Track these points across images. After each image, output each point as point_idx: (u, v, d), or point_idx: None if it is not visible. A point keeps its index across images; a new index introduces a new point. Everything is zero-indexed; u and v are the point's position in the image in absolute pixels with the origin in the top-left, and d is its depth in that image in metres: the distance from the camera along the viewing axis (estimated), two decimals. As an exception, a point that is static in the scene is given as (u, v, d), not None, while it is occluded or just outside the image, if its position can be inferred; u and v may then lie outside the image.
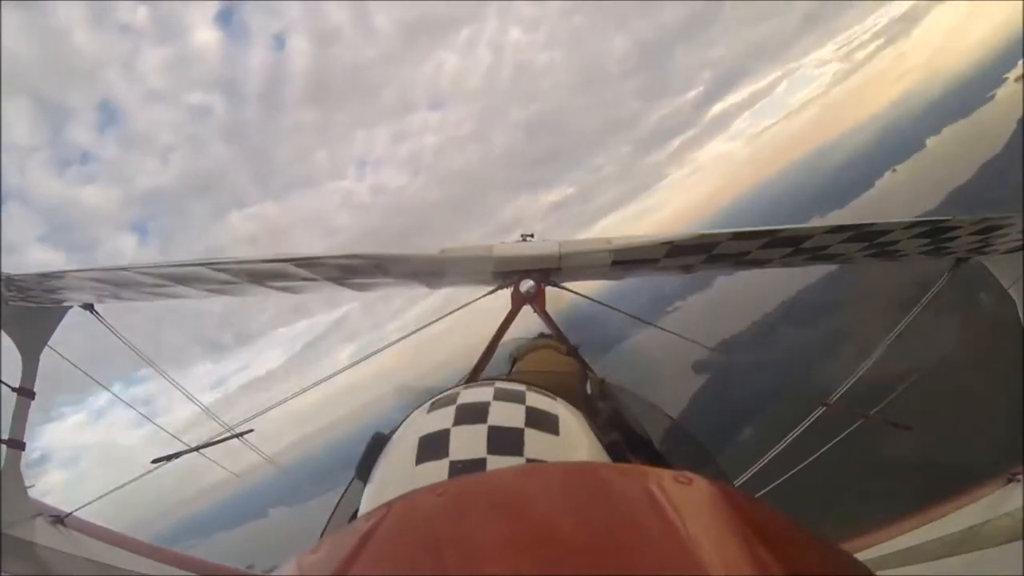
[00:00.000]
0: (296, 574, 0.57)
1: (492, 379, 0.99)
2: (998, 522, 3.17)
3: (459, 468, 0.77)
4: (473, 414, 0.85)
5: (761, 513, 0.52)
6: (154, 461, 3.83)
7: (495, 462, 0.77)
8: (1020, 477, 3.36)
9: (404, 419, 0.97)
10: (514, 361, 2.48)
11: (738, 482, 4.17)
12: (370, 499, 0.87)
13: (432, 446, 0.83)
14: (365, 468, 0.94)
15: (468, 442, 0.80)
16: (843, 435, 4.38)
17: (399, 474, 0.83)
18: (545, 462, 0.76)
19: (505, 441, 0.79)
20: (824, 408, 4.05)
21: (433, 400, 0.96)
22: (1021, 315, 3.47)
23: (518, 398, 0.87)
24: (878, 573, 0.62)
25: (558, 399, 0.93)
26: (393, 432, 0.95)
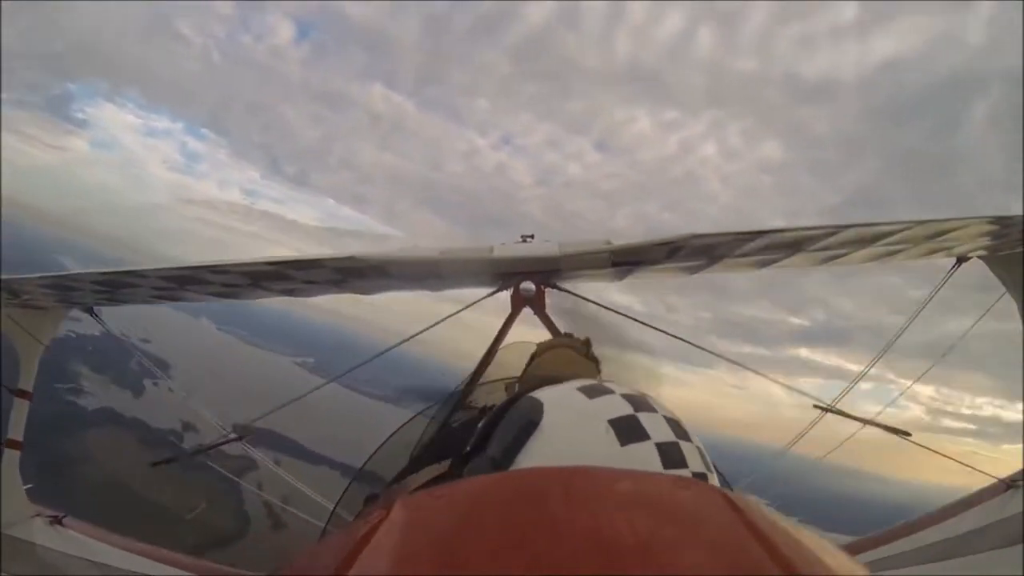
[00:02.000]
0: (296, 574, 0.57)
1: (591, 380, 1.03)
2: (998, 527, 3.18)
3: (664, 449, 0.84)
4: (640, 404, 0.91)
5: (761, 516, 0.52)
6: (153, 464, 3.84)
7: (684, 447, 0.85)
8: (1019, 484, 3.37)
9: (532, 403, 0.98)
10: (532, 358, 2.48)
11: (738, 486, 4.18)
12: None
13: (627, 429, 0.87)
14: (495, 448, 0.98)
15: (658, 428, 0.87)
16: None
17: (602, 454, 0.85)
18: (703, 474, 0.85)
19: (673, 456, 0.85)
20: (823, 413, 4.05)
21: (579, 388, 0.99)
22: (1020, 315, 3.48)
23: (651, 406, 0.92)
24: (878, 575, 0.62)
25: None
26: (539, 416, 0.95)
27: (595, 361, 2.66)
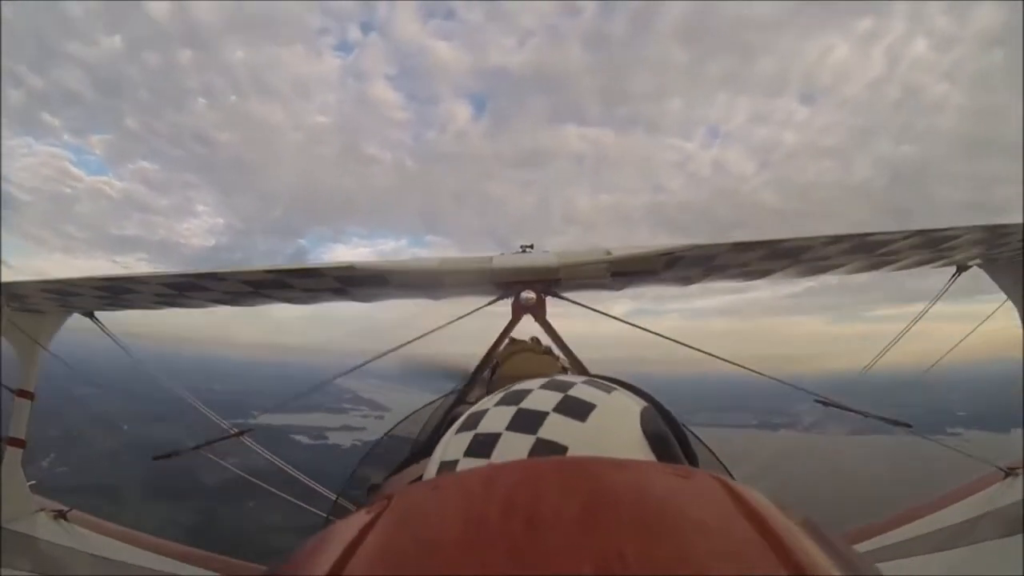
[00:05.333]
0: (294, 569, 0.57)
1: (575, 376, 0.97)
2: (997, 515, 3.19)
3: (480, 440, 0.80)
4: (513, 398, 0.86)
5: (761, 506, 0.52)
6: (155, 458, 3.87)
7: (509, 438, 0.78)
8: (1019, 471, 3.38)
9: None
10: (495, 367, 2.54)
11: (738, 476, 4.21)
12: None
13: (470, 421, 0.86)
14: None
15: (494, 419, 0.83)
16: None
17: (446, 441, 0.86)
18: (558, 443, 0.76)
19: (525, 421, 0.80)
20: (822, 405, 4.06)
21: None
22: (1020, 322, 3.48)
23: (563, 387, 0.87)
24: (876, 564, 0.63)
25: (621, 393, 0.91)
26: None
27: (553, 356, 2.73)
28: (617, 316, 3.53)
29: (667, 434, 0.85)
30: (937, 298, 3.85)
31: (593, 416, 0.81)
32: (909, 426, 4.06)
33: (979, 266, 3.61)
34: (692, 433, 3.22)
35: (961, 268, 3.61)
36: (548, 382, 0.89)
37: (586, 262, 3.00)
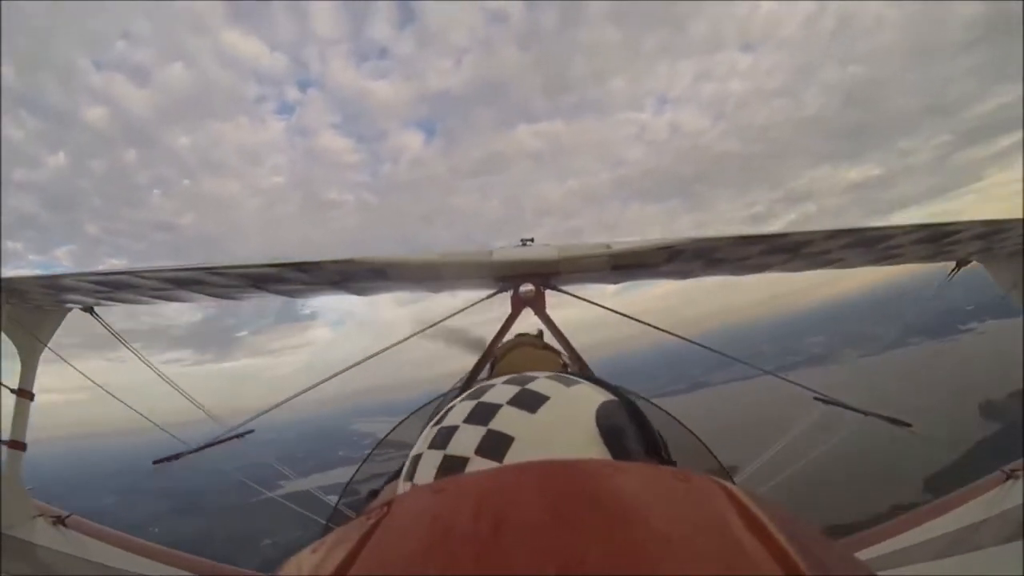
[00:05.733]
0: (297, 572, 0.56)
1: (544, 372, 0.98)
2: (998, 520, 3.17)
3: (442, 433, 0.82)
4: (477, 392, 0.88)
5: (761, 509, 0.51)
6: (155, 462, 3.85)
7: (464, 430, 0.80)
8: (1019, 474, 3.37)
9: None
10: (494, 362, 2.54)
11: (739, 479, 4.19)
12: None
13: (440, 415, 0.87)
14: None
15: (457, 413, 0.84)
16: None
17: (422, 435, 0.88)
18: (505, 434, 0.77)
19: (481, 413, 0.82)
20: (822, 404, 4.06)
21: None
22: (1021, 318, 3.47)
23: (523, 381, 0.88)
24: (878, 572, 0.62)
25: (585, 387, 0.92)
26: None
27: (553, 351, 2.74)
28: (615, 309, 3.54)
29: (623, 428, 0.85)
30: (936, 296, 3.87)
31: (544, 408, 0.82)
32: (908, 425, 4.05)
33: (978, 261, 3.62)
34: (690, 431, 3.22)
35: (961, 263, 3.62)
36: (513, 377, 0.91)
37: (586, 255, 2.99)
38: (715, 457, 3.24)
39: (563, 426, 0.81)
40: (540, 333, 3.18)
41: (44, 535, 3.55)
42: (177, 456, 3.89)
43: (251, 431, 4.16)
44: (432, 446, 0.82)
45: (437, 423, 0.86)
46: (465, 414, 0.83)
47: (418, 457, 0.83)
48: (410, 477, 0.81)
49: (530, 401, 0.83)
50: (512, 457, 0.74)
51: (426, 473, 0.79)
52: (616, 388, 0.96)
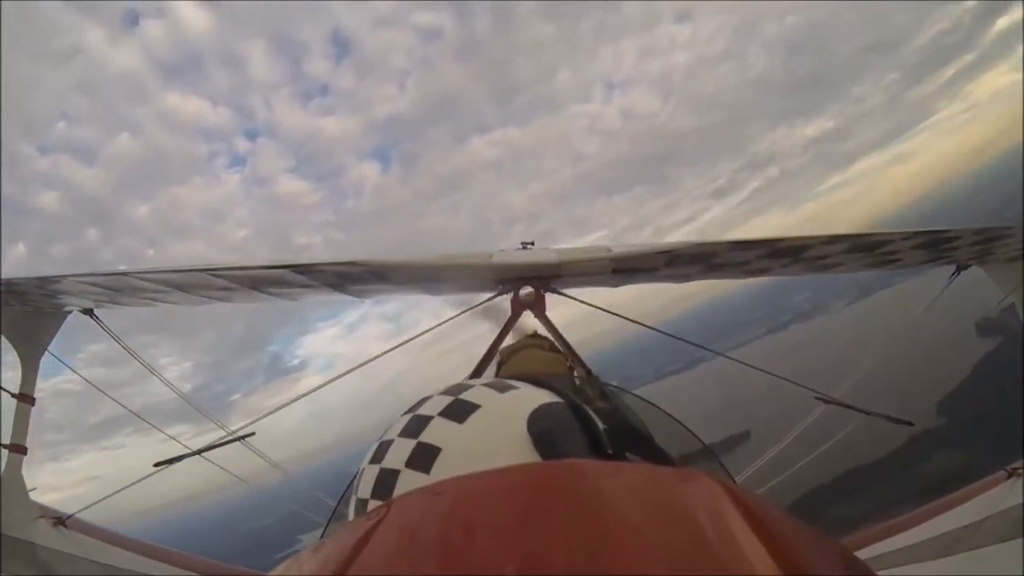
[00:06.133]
0: (298, 572, 0.57)
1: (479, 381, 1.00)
2: (998, 518, 3.17)
3: (381, 447, 0.84)
4: (414, 406, 0.90)
5: (763, 509, 0.52)
6: (156, 465, 3.84)
7: (398, 443, 0.82)
8: (1020, 472, 3.37)
9: None
10: (500, 365, 2.53)
11: (740, 478, 4.19)
12: None
13: (386, 430, 0.89)
14: None
15: (395, 427, 0.87)
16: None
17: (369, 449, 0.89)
18: (433, 446, 0.80)
19: (413, 426, 0.84)
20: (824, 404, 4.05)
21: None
22: (1021, 323, 3.47)
23: (457, 391, 0.90)
24: (878, 571, 0.62)
25: (522, 392, 0.93)
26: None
27: (560, 353, 2.74)
28: (616, 312, 3.55)
29: (559, 431, 0.85)
30: (938, 296, 3.87)
31: (473, 417, 0.84)
32: (910, 423, 4.05)
33: (978, 266, 3.61)
34: (688, 429, 3.22)
35: (961, 268, 3.61)
36: (449, 387, 0.93)
37: (586, 259, 3.00)
38: (716, 456, 3.24)
39: (490, 434, 0.83)
40: (534, 333, 3.19)
41: (45, 536, 3.55)
42: (179, 459, 3.89)
43: (252, 434, 4.16)
44: (372, 460, 0.84)
45: (380, 437, 0.88)
46: (400, 427, 0.86)
47: (361, 472, 0.85)
48: (355, 492, 0.84)
49: (460, 411, 0.85)
50: (439, 468, 0.76)
51: (365, 487, 0.81)
52: (558, 389, 0.97)
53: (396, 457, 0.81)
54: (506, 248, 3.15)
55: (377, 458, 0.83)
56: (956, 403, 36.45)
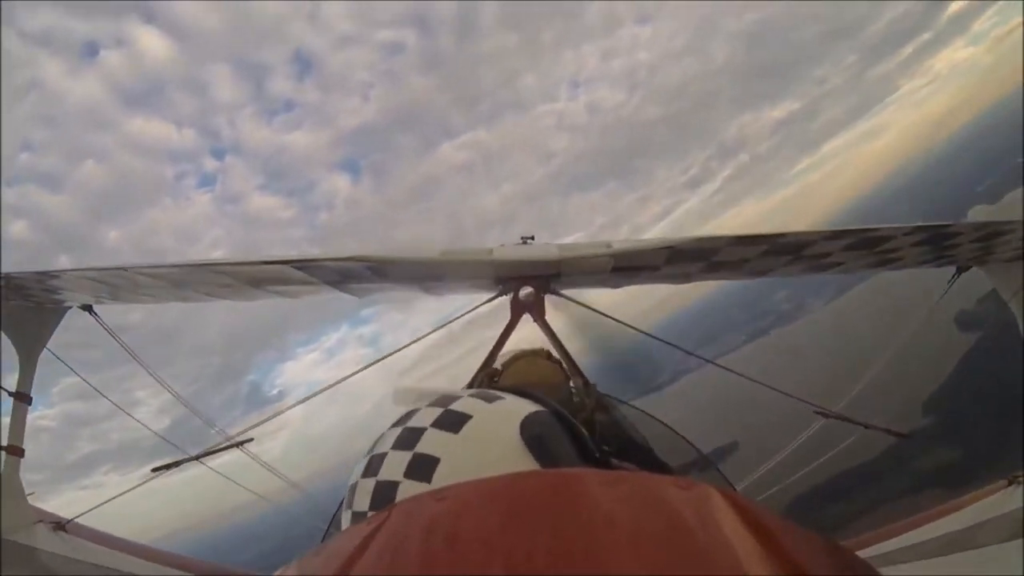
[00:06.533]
0: (298, 573, 0.57)
1: (466, 390, 1.02)
2: (998, 523, 3.16)
3: (374, 461, 0.85)
4: (403, 419, 0.92)
5: (762, 516, 0.52)
6: (154, 470, 3.82)
7: (393, 455, 0.84)
8: (1019, 479, 3.35)
9: None
10: (499, 373, 2.55)
11: (739, 488, 4.17)
12: None
13: (374, 444, 0.90)
14: None
15: (385, 441, 0.88)
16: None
17: (357, 464, 0.91)
18: (431, 455, 0.81)
19: (406, 439, 0.85)
20: (823, 418, 4.05)
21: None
22: (1021, 325, 3.46)
23: (446, 402, 0.92)
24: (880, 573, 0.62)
25: (509, 401, 0.95)
26: None
27: (558, 363, 2.75)
28: (616, 318, 3.54)
29: (551, 437, 0.88)
30: (939, 299, 3.87)
31: (467, 427, 0.86)
32: (908, 436, 4.03)
33: (979, 267, 3.61)
34: (684, 438, 3.20)
35: (961, 269, 3.61)
36: (437, 399, 0.95)
37: (587, 255, 2.99)
38: (714, 465, 3.22)
39: (486, 443, 0.86)
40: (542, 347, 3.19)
41: (44, 540, 3.51)
42: (177, 463, 3.87)
43: (250, 439, 4.15)
44: (365, 474, 0.85)
45: (369, 452, 0.90)
46: (392, 440, 0.87)
47: (354, 486, 0.86)
48: (349, 506, 0.85)
49: (453, 421, 0.87)
50: (440, 477, 0.78)
51: (361, 501, 0.82)
52: (540, 398, 0.99)
53: (393, 469, 0.82)
54: (506, 244, 3.14)
55: (371, 472, 0.85)
56: (943, 401, 36.51)
